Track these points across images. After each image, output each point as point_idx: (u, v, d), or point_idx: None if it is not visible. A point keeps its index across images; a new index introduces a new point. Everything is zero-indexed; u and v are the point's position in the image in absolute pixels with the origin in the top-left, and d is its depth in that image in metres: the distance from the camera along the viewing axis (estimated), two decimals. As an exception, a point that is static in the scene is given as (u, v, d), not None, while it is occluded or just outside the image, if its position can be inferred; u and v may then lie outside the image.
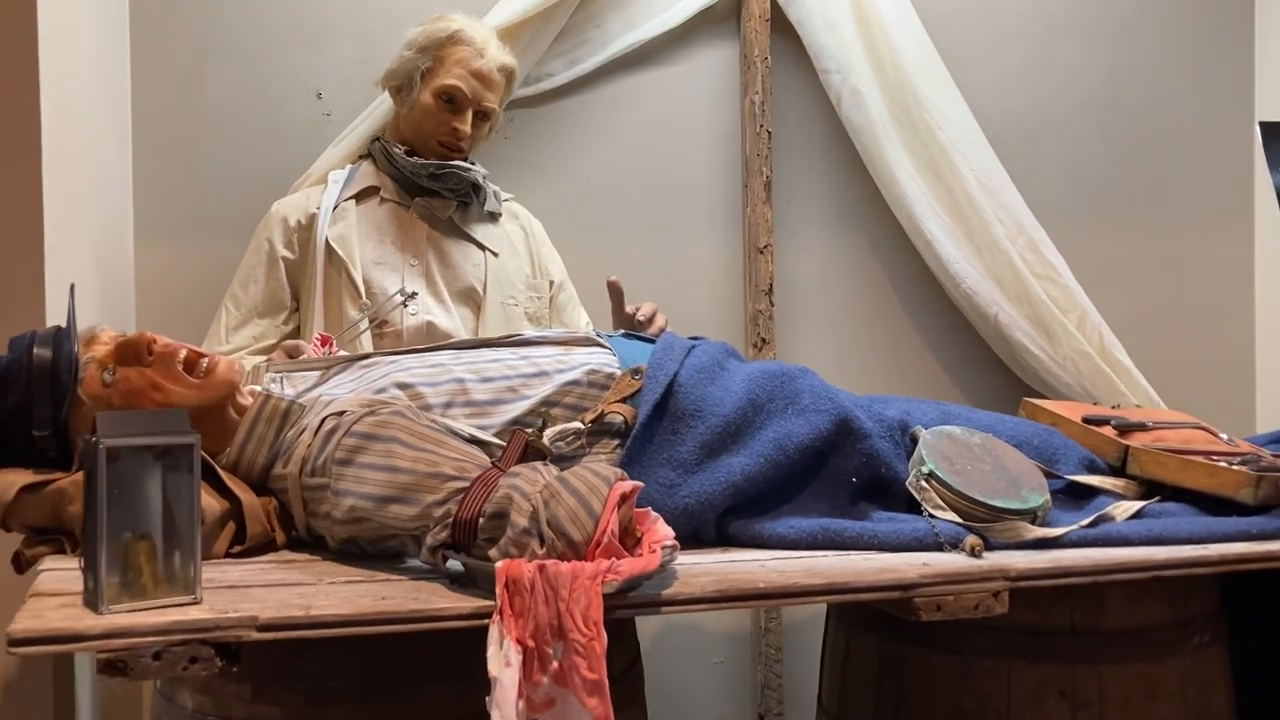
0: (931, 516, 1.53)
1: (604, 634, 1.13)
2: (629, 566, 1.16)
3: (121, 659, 1.04)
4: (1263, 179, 2.54)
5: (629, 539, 1.23)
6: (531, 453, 1.33)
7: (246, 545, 1.38)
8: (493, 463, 1.29)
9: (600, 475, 1.22)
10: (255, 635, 1.08)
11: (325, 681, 1.22)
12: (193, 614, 1.09)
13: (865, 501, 1.58)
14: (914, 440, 1.65)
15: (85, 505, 1.12)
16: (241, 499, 1.38)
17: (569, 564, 1.15)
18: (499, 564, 1.15)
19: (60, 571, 1.27)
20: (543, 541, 1.19)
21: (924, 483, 1.56)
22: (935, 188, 2.29)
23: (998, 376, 2.38)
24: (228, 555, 1.38)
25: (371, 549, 1.37)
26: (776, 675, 2.29)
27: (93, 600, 1.10)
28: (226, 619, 1.08)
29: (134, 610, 1.09)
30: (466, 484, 1.24)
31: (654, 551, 1.21)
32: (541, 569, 1.14)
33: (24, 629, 1.03)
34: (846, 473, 1.57)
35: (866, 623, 1.78)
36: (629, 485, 1.22)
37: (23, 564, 1.38)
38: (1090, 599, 1.61)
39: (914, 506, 1.57)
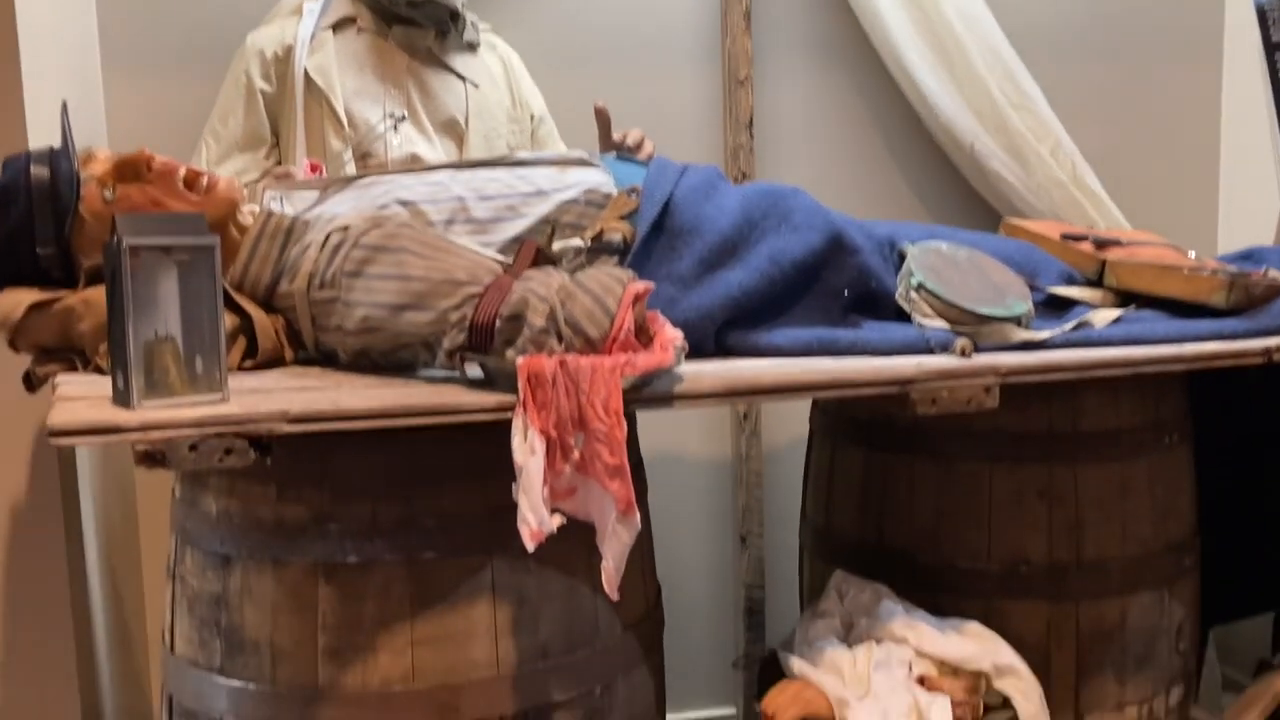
0: (921, 325, 1.58)
1: (624, 423, 1.18)
2: (645, 361, 1.20)
3: (160, 450, 1.07)
4: (1232, 10, 2.56)
5: (642, 337, 1.26)
6: (542, 260, 1.35)
7: (258, 360, 1.40)
8: (504, 269, 1.31)
9: (613, 275, 1.25)
10: (286, 428, 1.11)
11: (351, 479, 1.26)
12: (223, 409, 1.12)
13: (856, 314, 1.63)
14: (902, 256, 1.69)
15: (110, 307, 1.13)
16: (251, 314, 1.40)
17: (588, 358, 1.19)
18: (520, 360, 1.18)
19: (78, 384, 1.29)
20: (560, 340, 1.22)
21: (913, 294, 1.61)
22: (915, 18, 2.28)
23: (974, 206, 2.42)
24: (240, 369, 1.40)
25: (384, 361, 1.39)
26: (757, 499, 2.37)
27: (124, 398, 1.13)
28: (258, 413, 1.11)
29: (165, 407, 1.12)
30: (480, 289, 1.26)
31: (666, 349, 1.25)
32: (562, 363, 1.18)
33: (63, 422, 1.05)
34: (839, 286, 1.61)
35: (852, 435, 1.86)
36: (641, 285, 1.25)
37: (34, 383, 1.39)
38: (1068, 403, 1.68)
39: (903, 318, 1.62)
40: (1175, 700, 1.77)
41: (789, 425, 2.39)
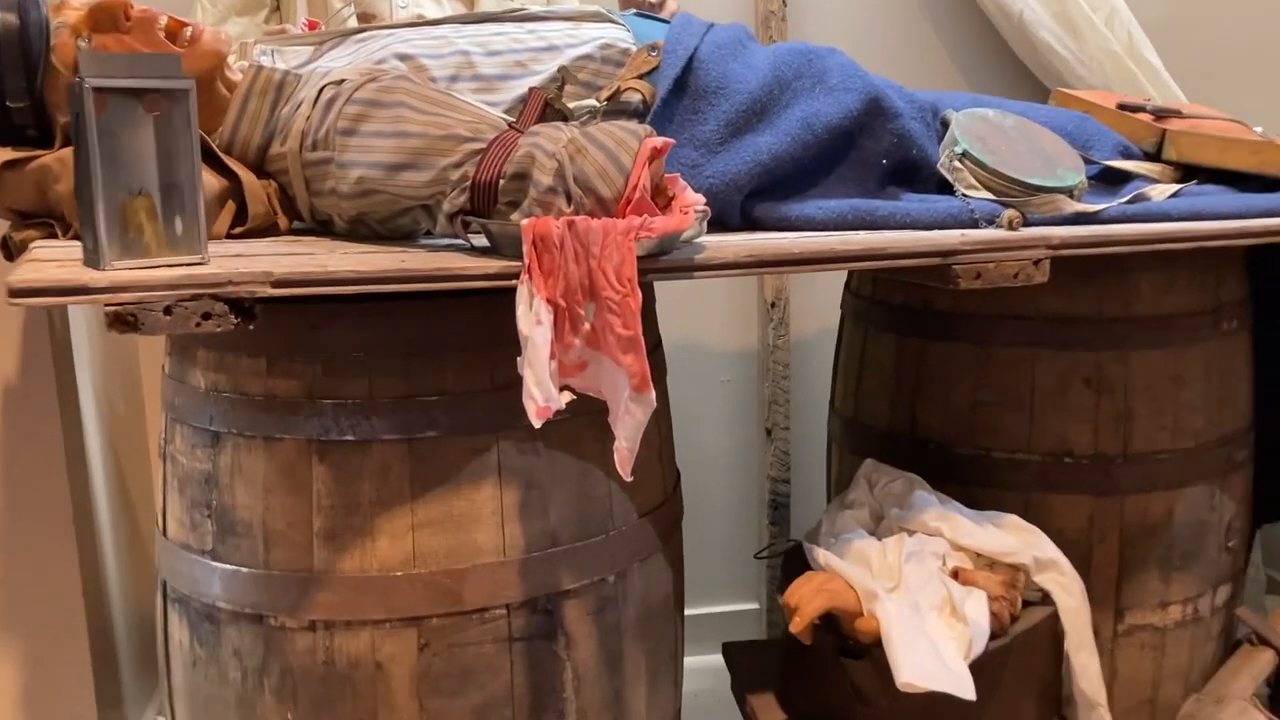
0: (965, 196, 1.46)
1: (638, 291, 1.08)
2: (663, 224, 1.09)
3: (131, 312, 0.98)
4: None
5: (660, 199, 1.16)
6: (551, 114, 1.23)
7: (249, 226, 1.31)
8: (509, 125, 1.20)
9: (628, 129, 1.14)
10: (270, 290, 1.02)
11: (345, 352, 1.17)
12: (201, 271, 1.02)
13: (894, 185, 1.51)
14: (945, 124, 1.57)
15: (76, 158, 1.04)
16: (240, 176, 1.29)
17: (600, 220, 1.08)
18: (525, 222, 1.08)
19: (55, 249, 1.20)
20: (570, 200, 1.11)
21: (957, 163, 1.49)
22: (963, -128, 2.11)
23: (1020, 80, 2.27)
24: (229, 237, 1.31)
25: (382, 229, 1.29)
26: (784, 390, 2.28)
27: (94, 259, 1.03)
28: (239, 274, 1.01)
29: (139, 268, 1.03)
30: (483, 145, 1.16)
31: (685, 213, 1.14)
32: (571, 225, 1.07)
33: (25, 281, 0.96)
34: (876, 154, 1.49)
35: (885, 321, 1.75)
36: (659, 141, 1.14)
37: (12, 250, 1.30)
38: (1119, 285, 1.57)
39: (944, 190, 1.51)
40: (1222, 600, 1.68)
41: (818, 314, 2.28)
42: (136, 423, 2.05)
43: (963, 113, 1.56)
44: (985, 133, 1.53)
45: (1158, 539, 1.61)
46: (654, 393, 1.09)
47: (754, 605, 2.39)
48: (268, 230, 1.34)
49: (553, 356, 1.08)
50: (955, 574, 1.36)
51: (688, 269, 1.15)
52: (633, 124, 1.16)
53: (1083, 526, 1.60)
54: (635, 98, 1.43)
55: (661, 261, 1.13)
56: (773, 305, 2.25)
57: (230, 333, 1.02)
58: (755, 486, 2.36)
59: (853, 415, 1.83)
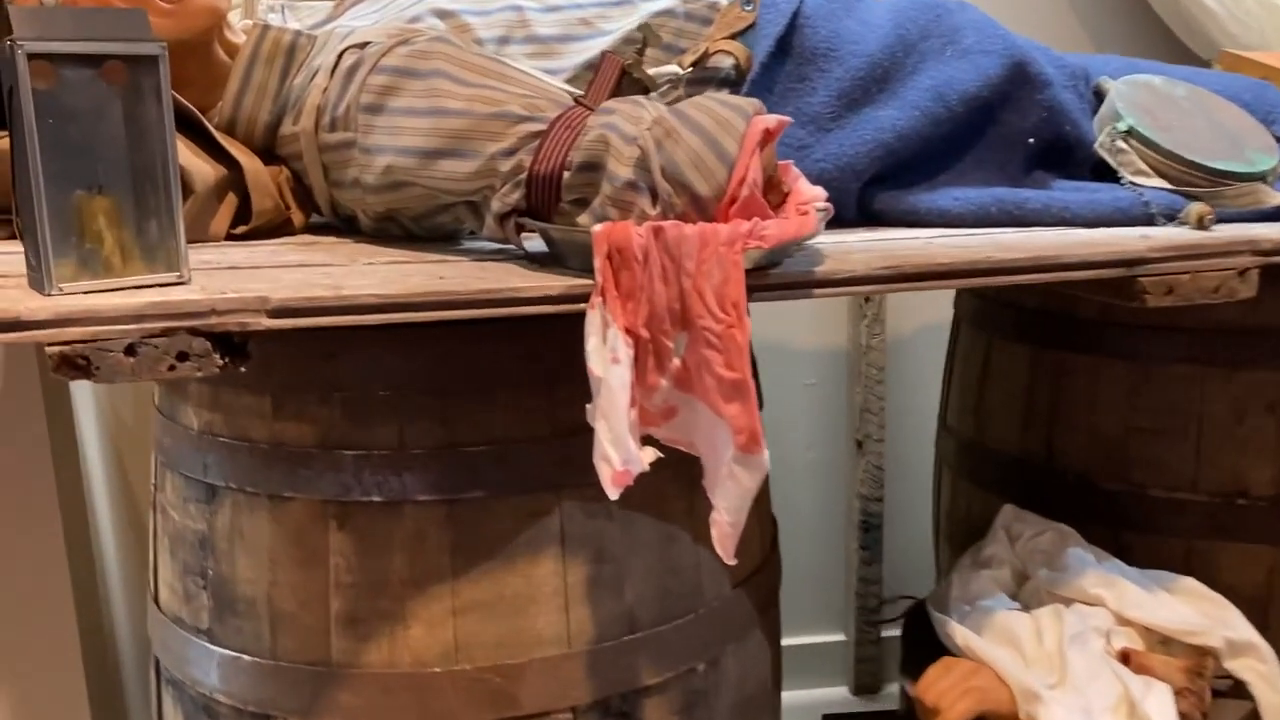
0: (1133, 185, 1.18)
1: (747, 320, 0.82)
2: (779, 230, 0.83)
3: (82, 354, 0.74)
4: None
5: (773, 195, 0.89)
6: (628, 85, 0.97)
7: (253, 225, 1.07)
8: (575, 100, 0.94)
9: (731, 105, 0.87)
10: (266, 323, 0.77)
11: (369, 390, 0.93)
12: (178, 295, 0.78)
13: (1043, 170, 1.24)
14: (1099, 95, 1.29)
15: (12, 145, 0.79)
16: (243, 163, 1.05)
17: (694, 226, 0.82)
18: (598, 228, 0.82)
19: (11, 255, 0.96)
20: (655, 198, 0.85)
21: (1120, 142, 1.21)
22: None
23: (1156, 43, 1.96)
24: (230, 238, 1.07)
25: (418, 229, 1.05)
26: (878, 397, 2.01)
27: (38, 279, 0.79)
28: (225, 300, 0.77)
29: (96, 291, 0.79)
30: (543, 126, 0.90)
31: (805, 213, 0.88)
32: (657, 233, 0.82)
33: (-60, 315, 0.72)
34: (1022, 132, 1.21)
35: (1015, 328, 1.48)
36: (773, 119, 0.87)
37: (-28, 252, 1.07)
38: (1317, 289, 1.28)
39: (1103, 175, 1.23)
40: None
41: (918, 311, 2.00)
42: (145, 429, 1.83)
43: (1123, 80, 1.28)
44: (1153, 105, 1.25)
45: (1351, 597, 1.33)
46: (766, 453, 0.83)
47: (841, 637, 2.13)
48: (279, 228, 1.10)
49: (633, 403, 0.83)
50: (1125, 658, 1.09)
51: (806, 285, 0.89)
52: (736, 98, 0.89)
53: (1259, 582, 1.33)
54: (726, 62, 1.16)
55: (772, 277, 0.87)
56: (867, 300, 1.97)
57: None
58: (843, 505, 2.10)
59: (972, 437, 1.56)
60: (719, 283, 0.82)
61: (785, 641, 1.21)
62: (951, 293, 1.64)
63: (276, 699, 0.95)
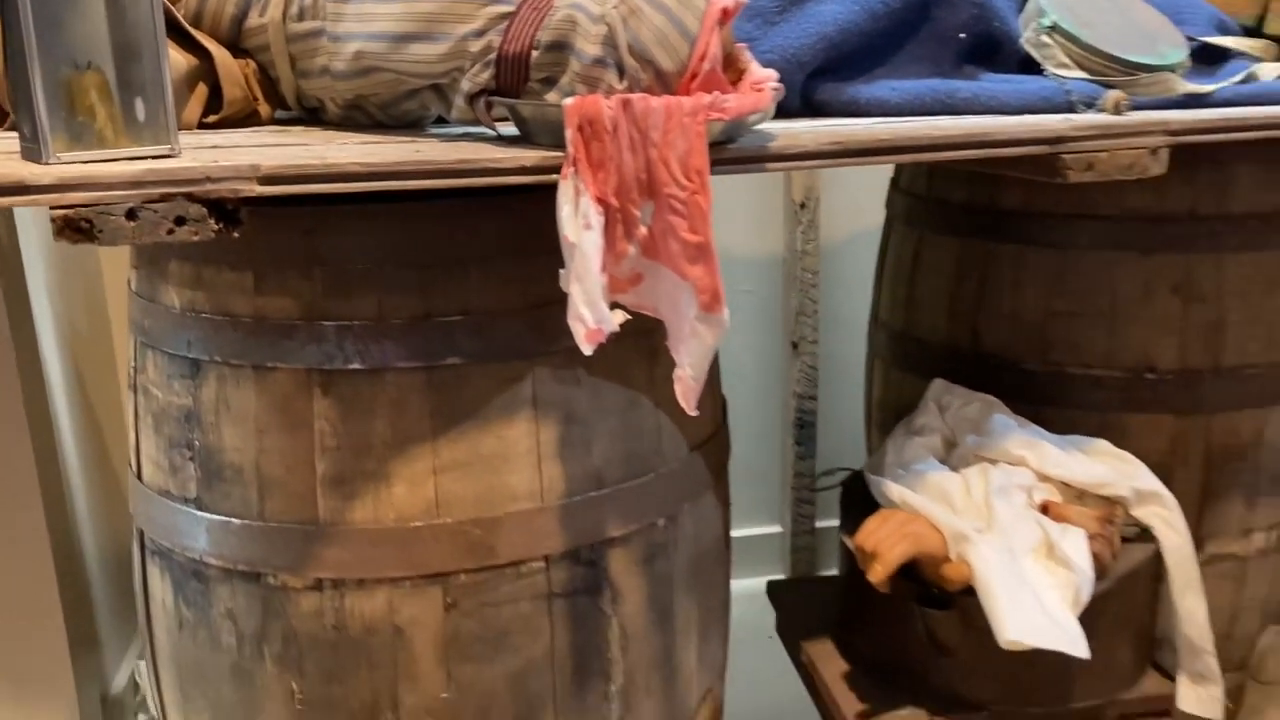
0: (1056, 76, 1.26)
1: (709, 187, 0.88)
2: (738, 104, 0.89)
3: (86, 217, 0.78)
4: None
5: (730, 72, 0.96)
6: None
7: (224, 114, 1.10)
8: (542, -16, 0.98)
9: (691, -13, 0.93)
10: (257, 189, 0.82)
11: (348, 264, 0.98)
12: (173, 164, 0.82)
13: (973, 64, 1.31)
14: (1024, -6, 1.37)
15: (4, 21, 0.82)
16: (213, 53, 1.08)
17: (660, 98, 0.88)
18: (568, 102, 0.88)
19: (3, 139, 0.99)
20: (622, 73, 0.91)
21: (1045, 37, 1.29)
22: None
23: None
24: (201, 127, 1.10)
25: (384, 116, 1.09)
26: (812, 300, 2.10)
27: (34, 150, 0.83)
28: (218, 168, 0.81)
29: (93, 161, 0.82)
30: (511, 7, 0.95)
31: (760, 89, 0.95)
32: (625, 105, 0.87)
33: (-56, 177, 0.76)
34: (953, 27, 1.29)
35: (943, 221, 1.57)
36: (731, 0, 0.93)
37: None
38: (1216, 179, 1.39)
39: (1027, 69, 1.31)
40: (1311, 526, 1.54)
41: (851, 216, 2.08)
42: (102, 342, 1.85)
43: (1047, -20, 1.36)
44: (1074, 3, 1.33)
45: (1245, 461, 1.45)
46: (726, 311, 0.90)
47: (778, 529, 2.24)
48: (246, 119, 1.13)
49: (604, 268, 0.89)
50: (1044, 509, 1.20)
51: (762, 159, 0.96)
52: (694, -20, 0.95)
53: (1164, 449, 1.43)
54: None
55: (730, 151, 0.94)
56: (802, 206, 2.05)
57: (210, 242, 0.82)
58: (779, 405, 2.19)
59: (903, 328, 1.65)
60: (683, 152, 0.88)
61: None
62: (883, 196, 1.72)
63: (267, 557, 1.01)
